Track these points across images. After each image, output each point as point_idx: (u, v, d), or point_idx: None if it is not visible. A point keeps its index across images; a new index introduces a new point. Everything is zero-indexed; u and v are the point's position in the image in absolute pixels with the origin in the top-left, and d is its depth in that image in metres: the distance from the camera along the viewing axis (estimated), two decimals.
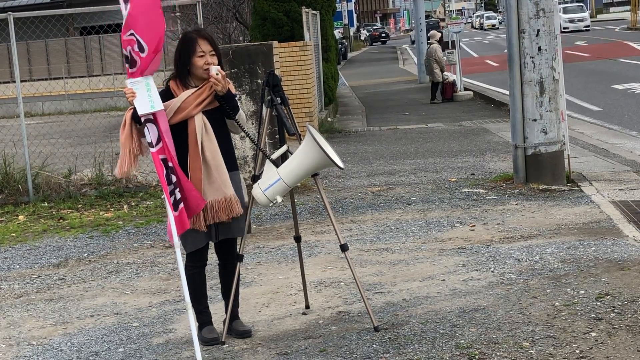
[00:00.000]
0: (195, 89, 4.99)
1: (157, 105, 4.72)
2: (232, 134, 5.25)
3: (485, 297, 5.65)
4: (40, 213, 9.92)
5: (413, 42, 72.89)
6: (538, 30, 9.27)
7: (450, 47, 22.60)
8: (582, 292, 5.57)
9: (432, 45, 22.14)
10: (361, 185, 10.34)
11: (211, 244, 5.25)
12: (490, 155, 12.11)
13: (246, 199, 5.23)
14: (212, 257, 5.44)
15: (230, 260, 5.30)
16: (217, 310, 5.63)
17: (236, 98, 5.15)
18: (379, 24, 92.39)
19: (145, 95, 4.69)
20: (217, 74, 4.93)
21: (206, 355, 5.03)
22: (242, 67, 10.36)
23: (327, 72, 19.19)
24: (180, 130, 4.97)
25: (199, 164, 4.96)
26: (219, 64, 5.04)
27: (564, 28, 52.89)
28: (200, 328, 5.24)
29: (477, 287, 5.90)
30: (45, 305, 6.47)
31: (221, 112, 5.07)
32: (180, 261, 4.73)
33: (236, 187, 5.10)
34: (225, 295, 5.35)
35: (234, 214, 5.02)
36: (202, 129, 4.97)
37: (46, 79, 25.86)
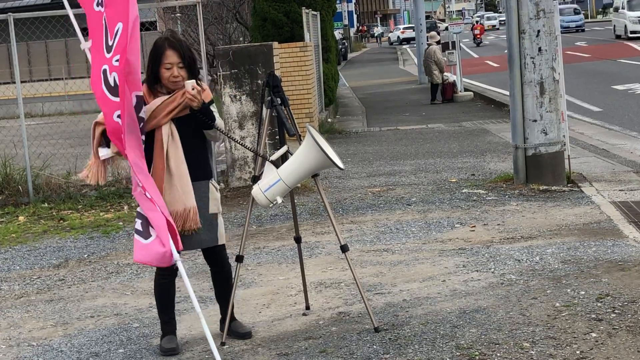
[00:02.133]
0: (165, 97, 4.85)
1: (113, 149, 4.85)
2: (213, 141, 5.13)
3: (485, 298, 5.65)
4: (41, 214, 9.92)
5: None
6: (538, 31, 9.27)
7: (450, 48, 22.59)
8: (583, 292, 5.57)
9: (430, 47, 22.12)
10: (361, 186, 10.33)
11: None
12: (490, 155, 12.11)
13: (214, 209, 5.06)
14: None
15: (220, 268, 5.23)
16: (217, 312, 5.61)
17: (212, 105, 4.97)
18: (378, 24, 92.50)
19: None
20: (192, 90, 4.75)
21: (206, 356, 5.02)
22: (242, 67, 10.37)
23: (327, 72, 19.18)
24: (147, 139, 4.85)
25: (161, 173, 4.85)
26: (193, 73, 4.88)
27: (632, 32, 39.72)
28: (161, 337, 5.21)
29: (478, 287, 5.90)
30: (46, 306, 6.47)
31: (192, 120, 4.90)
32: (184, 275, 4.71)
33: (201, 197, 4.96)
34: (220, 299, 5.32)
35: (189, 227, 4.88)
36: (168, 137, 4.85)
37: (46, 80, 25.86)
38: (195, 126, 4.93)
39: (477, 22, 60.50)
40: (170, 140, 4.86)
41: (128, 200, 10.26)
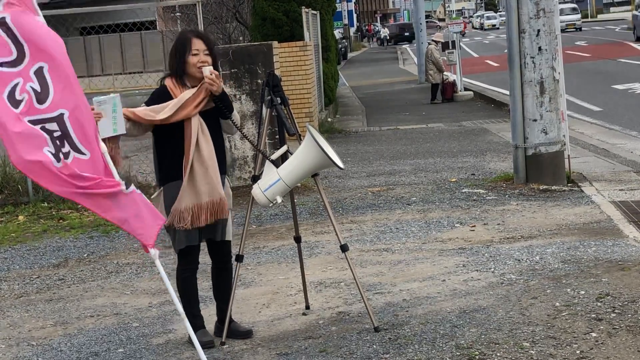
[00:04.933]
0: (194, 90, 4.99)
1: (120, 128, 4.62)
2: (228, 137, 5.26)
3: (485, 298, 5.64)
4: (40, 213, 9.91)
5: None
6: (538, 30, 9.27)
7: (450, 47, 22.59)
8: (583, 292, 5.57)
9: (429, 46, 22.17)
10: (361, 186, 10.33)
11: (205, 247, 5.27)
12: (490, 155, 12.11)
13: (229, 204, 5.20)
14: (207, 259, 5.43)
15: (225, 264, 5.28)
16: (212, 312, 5.61)
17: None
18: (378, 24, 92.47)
19: (110, 117, 4.59)
20: (210, 74, 4.94)
21: (206, 356, 5.01)
22: (242, 67, 10.36)
23: (327, 72, 19.18)
24: (175, 131, 4.98)
25: (194, 165, 4.96)
26: (214, 64, 5.05)
27: None
28: (194, 332, 5.22)
29: (478, 287, 5.90)
30: (45, 305, 6.46)
31: (216, 114, 5.07)
32: (160, 266, 4.60)
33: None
34: (219, 298, 5.33)
35: (223, 216, 5.04)
36: (198, 129, 4.98)
37: None
38: (217, 120, 5.10)
39: (462, 19, 70.15)
40: (201, 132, 4.99)
41: None
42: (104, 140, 4.52)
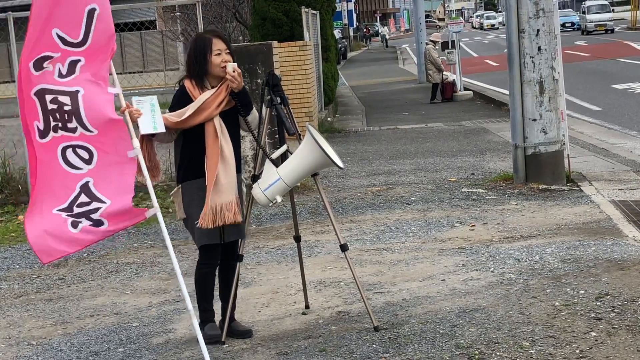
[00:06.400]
0: (213, 90, 5.02)
1: (160, 126, 4.77)
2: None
3: (485, 297, 5.65)
4: None
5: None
6: (538, 30, 9.28)
7: (450, 47, 22.60)
8: (582, 292, 5.57)
9: (427, 46, 22.22)
10: (361, 185, 10.33)
11: None
12: (490, 155, 12.12)
13: (243, 200, 5.26)
14: None
15: (232, 261, 5.31)
16: (217, 311, 5.62)
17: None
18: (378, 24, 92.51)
19: (149, 115, 4.75)
20: (233, 72, 4.98)
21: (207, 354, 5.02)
22: (242, 67, 10.32)
23: (326, 71, 19.18)
24: (196, 132, 5.02)
25: (216, 165, 4.99)
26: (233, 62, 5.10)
27: None
28: (203, 325, 5.23)
29: (477, 287, 5.90)
30: (45, 305, 6.47)
31: (235, 113, 5.11)
32: (176, 263, 4.69)
33: (238, 189, 5.16)
34: (224, 297, 5.34)
35: (236, 219, 5.05)
36: (220, 129, 5.02)
37: None
38: (235, 120, 5.13)
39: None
40: (221, 132, 5.02)
41: None
42: (141, 139, 4.75)
